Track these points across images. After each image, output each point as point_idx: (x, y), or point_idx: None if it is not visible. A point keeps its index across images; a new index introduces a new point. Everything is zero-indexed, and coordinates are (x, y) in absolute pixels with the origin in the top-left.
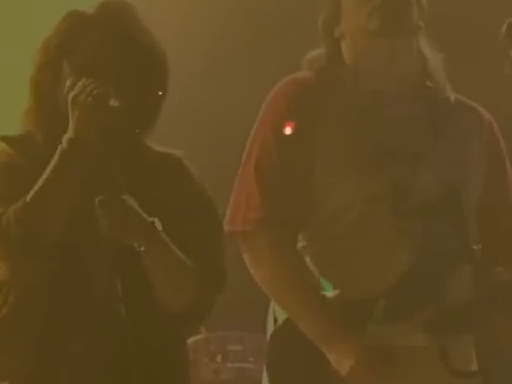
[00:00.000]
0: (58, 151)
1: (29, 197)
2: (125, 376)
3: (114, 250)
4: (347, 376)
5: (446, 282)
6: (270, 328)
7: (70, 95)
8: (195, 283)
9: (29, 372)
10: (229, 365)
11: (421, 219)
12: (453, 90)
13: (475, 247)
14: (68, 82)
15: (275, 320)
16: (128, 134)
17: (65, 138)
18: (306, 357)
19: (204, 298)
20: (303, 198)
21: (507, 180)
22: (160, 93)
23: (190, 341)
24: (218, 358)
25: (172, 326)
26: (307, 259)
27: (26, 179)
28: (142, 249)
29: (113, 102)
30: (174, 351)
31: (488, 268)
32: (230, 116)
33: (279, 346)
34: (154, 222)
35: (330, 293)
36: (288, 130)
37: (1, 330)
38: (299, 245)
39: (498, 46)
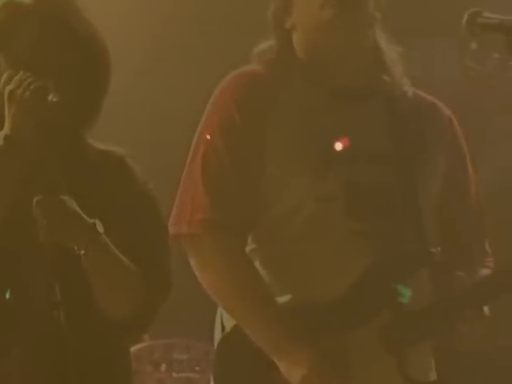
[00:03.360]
0: None
1: None
2: None
3: (52, 254)
4: None
5: (404, 286)
6: (218, 336)
7: (7, 90)
8: (138, 288)
9: None
10: (174, 374)
11: (376, 221)
12: (411, 85)
13: (434, 250)
14: (4, 76)
15: (223, 327)
16: (68, 131)
17: (0, 135)
18: (255, 366)
19: (148, 304)
20: (252, 198)
21: (468, 178)
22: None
23: (133, 349)
24: (163, 368)
25: (114, 334)
26: (257, 263)
27: None
28: (82, 252)
29: (52, 97)
30: (116, 360)
31: (448, 272)
32: (175, 112)
33: (227, 354)
34: (94, 224)
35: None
36: (236, 127)
37: None
38: (248, 248)
39: (459, 38)
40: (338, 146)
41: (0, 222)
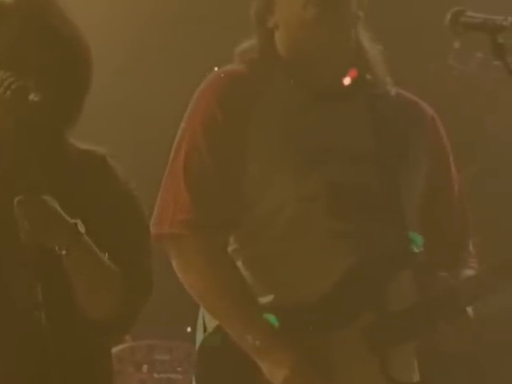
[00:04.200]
0: None
1: None
2: None
3: (33, 254)
4: None
5: (386, 287)
6: (200, 336)
7: None
8: (120, 289)
9: None
10: (156, 375)
11: (359, 220)
12: (394, 84)
13: (417, 250)
14: None
15: (205, 328)
16: (49, 131)
17: None
18: (237, 367)
19: (129, 305)
20: (234, 198)
21: (451, 178)
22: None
23: (114, 350)
24: (145, 368)
25: (95, 335)
26: (239, 263)
27: None
28: (64, 252)
29: (33, 97)
30: (97, 361)
31: (431, 272)
32: (156, 112)
33: (209, 355)
34: (76, 224)
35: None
36: (218, 126)
37: None
38: (231, 248)
39: (442, 37)
40: (321, 146)
41: None
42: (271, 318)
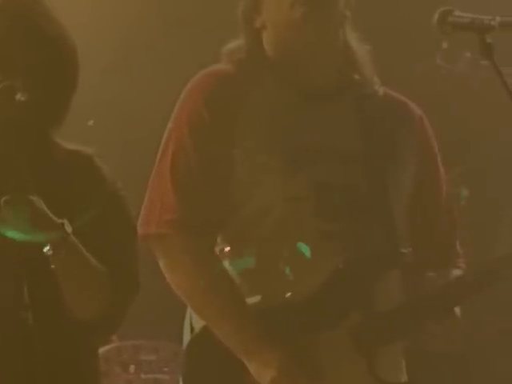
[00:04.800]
0: None
1: None
2: None
3: (20, 254)
4: None
5: (374, 287)
6: (187, 337)
7: None
8: (107, 289)
9: None
10: (142, 376)
11: (347, 221)
12: (382, 84)
13: (405, 250)
14: None
15: (192, 328)
16: (36, 131)
17: None
18: (224, 367)
19: (116, 305)
20: (222, 198)
21: (439, 178)
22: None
23: (101, 350)
24: (131, 369)
25: (82, 335)
26: (226, 263)
27: None
28: (51, 252)
29: (19, 97)
30: (84, 361)
31: (419, 272)
32: (143, 112)
33: (196, 355)
34: (63, 224)
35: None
36: (205, 127)
37: None
38: (218, 248)
39: (430, 37)
40: (308, 146)
41: None
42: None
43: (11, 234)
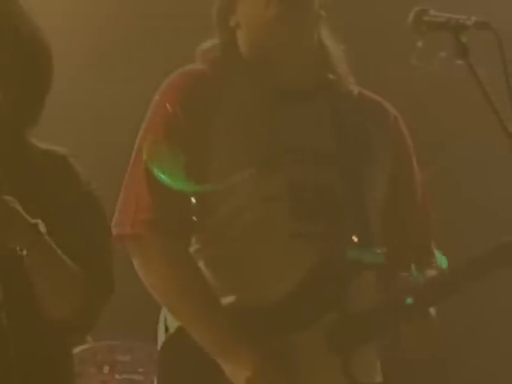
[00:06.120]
0: None
1: None
2: None
3: None
4: None
5: (349, 287)
6: (161, 337)
7: None
8: (81, 289)
9: None
10: (117, 376)
11: (321, 221)
12: (356, 83)
13: (379, 251)
14: None
15: (167, 328)
16: (10, 130)
17: None
18: (199, 368)
19: (91, 306)
20: (197, 198)
21: (414, 179)
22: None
23: (75, 351)
24: (106, 369)
25: (56, 335)
26: (201, 263)
27: None
28: (25, 252)
29: None
30: (58, 362)
31: (393, 273)
32: (118, 111)
33: (171, 356)
34: (37, 224)
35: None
36: (180, 127)
37: None
38: (193, 248)
39: (404, 37)
40: (283, 146)
41: None
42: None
43: None
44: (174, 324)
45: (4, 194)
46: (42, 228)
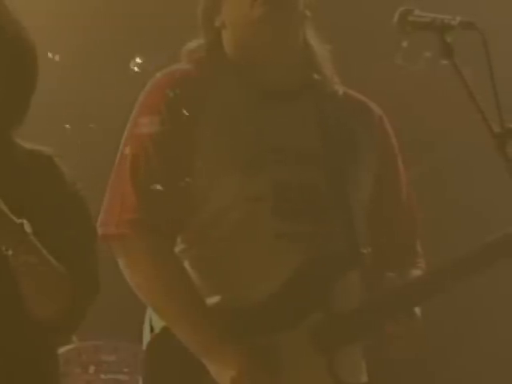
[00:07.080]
0: None
1: None
2: None
3: None
4: None
5: (334, 287)
6: (147, 337)
7: None
8: (66, 289)
9: None
10: (102, 376)
11: (306, 221)
12: (341, 84)
13: (365, 251)
14: None
15: (152, 328)
16: None
17: None
18: (184, 368)
19: (76, 305)
20: (182, 198)
21: (399, 179)
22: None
23: (61, 351)
24: (91, 369)
25: (42, 335)
26: (186, 263)
27: None
28: (10, 252)
29: None
30: (43, 362)
31: (379, 273)
32: (103, 111)
33: (156, 356)
34: (22, 224)
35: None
36: (165, 127)
37: None
38: (178, 248)
39: (390, 37)
40: (268, 146)
41: None
42: None
43: None
44: (159, 324)
45: None
46: (28, 228)
